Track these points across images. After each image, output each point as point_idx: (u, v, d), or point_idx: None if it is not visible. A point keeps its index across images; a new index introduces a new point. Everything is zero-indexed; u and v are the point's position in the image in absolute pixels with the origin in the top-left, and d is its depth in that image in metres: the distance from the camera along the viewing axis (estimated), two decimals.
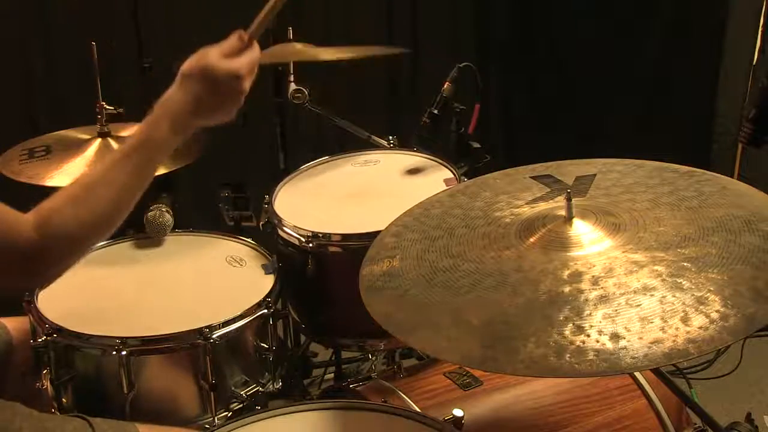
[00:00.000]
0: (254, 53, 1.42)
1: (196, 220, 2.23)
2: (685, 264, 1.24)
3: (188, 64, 1.40)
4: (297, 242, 1.86)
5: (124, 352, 1.62)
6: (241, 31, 1.43)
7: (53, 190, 1.94)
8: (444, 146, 2.19)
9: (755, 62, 3.13)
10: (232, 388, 1.74)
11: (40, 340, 1.68)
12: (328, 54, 2.01)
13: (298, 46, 2.09)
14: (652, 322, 1.15)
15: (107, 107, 2.06)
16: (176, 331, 1.66)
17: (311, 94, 2.22)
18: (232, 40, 1.42)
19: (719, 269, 1.22)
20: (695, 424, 1.70)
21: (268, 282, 1.83)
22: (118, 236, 1.96)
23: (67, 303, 1.76)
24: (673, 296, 1.19)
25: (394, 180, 2.09)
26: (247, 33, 1.43)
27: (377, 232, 1.54)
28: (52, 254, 1.30)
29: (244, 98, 1.41)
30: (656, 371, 1.56)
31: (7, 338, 1.79)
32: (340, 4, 3.34)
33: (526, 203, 1.49)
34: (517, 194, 1.53)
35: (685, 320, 1.15)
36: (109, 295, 1.81)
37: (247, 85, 1.41)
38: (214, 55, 1.39)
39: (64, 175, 1.96)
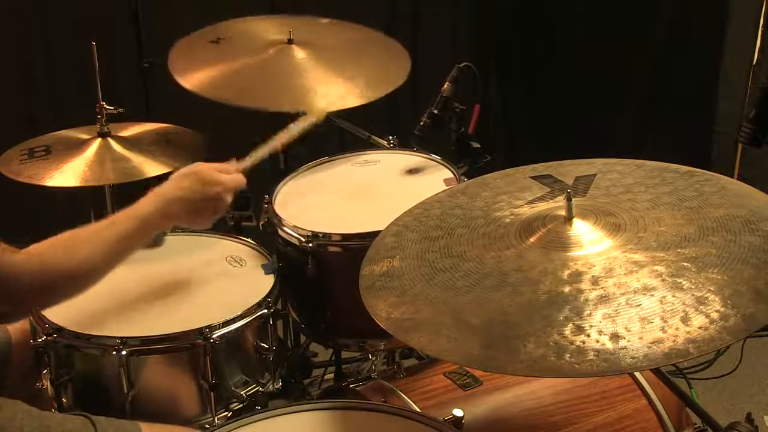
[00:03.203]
0: (240, 179, 1.72)
1: None
2: (685, 264, 1.24)
3: (185, 168, 1.67)
4: (297, 242, 1.86)
5: (124, 352, 1.62)
6: (235, 160, 1.74)
7: (53, 190, 1.96)
8: (444, 146, 2.19)
9: (755, 62, 3.13)
10: (232, 388, 1.74)
11: (40, 340, 1.67)
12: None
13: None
14: (652, 322, 1.15)
15: (107, 107, 2.06)
16: (176, 331, 1.66)
17: None
18: (226, 164, 1.73)
19: (719, 269, 1.22)
20: (695, 424, 1.70)
21: (268, 282, 1.83)
22: None
23: (67, 303, 1.75)
24: (673, 296, 1.19)
25: (394, 180, 2.09)
26: (241, 164, 1.75)
27: (377, 232, 1.54)
28: (37, 288, 1.45)
29: (222, 211, 1.68)
30: (656, 371, 1.57)
31: (7, 338, 1.80)
32: (341, 3, 3.33)
33: (526, 203, 1.49)
34: (517, 194, 1.53)
35: (685, 320, 1.15)
36: (109, 295, 1.80)
37: (228, 199, 1.68)
38: (208, 166, 1.68)
39: (64, 175, 1.96)
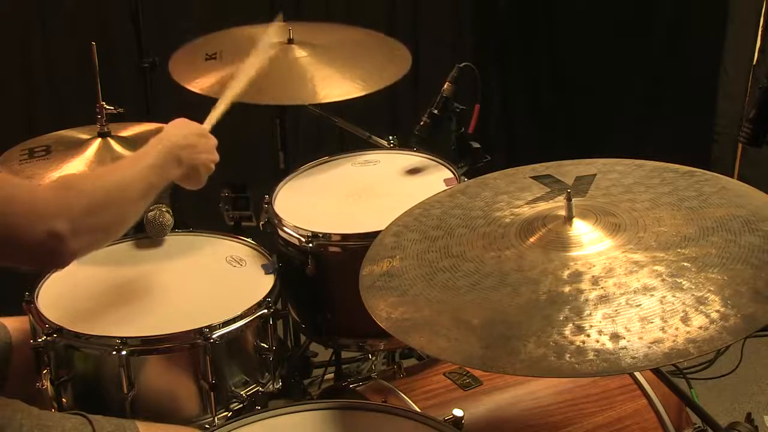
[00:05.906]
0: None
1: (196, 220, 2.23)
2: (685, 264, 1.24)
3: (179, 122, 1.66)
4: (297, 242, 1.86)
5: (124, 352, 1.62)
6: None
7: None
8: (444, 146, 2.19)
9: (755, 62, 3.13)
10: (232, 388, 1.74)
11: (40, 340, 1.67)
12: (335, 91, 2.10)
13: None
14: (652, 322, 1.15)
15: (107, 107, 2.06)
16: (176, 331, 1.66)
17: None
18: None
19: (719, 269, 1.22)
20: (695, 424, 1.70)
21: (268, 282, 1.83)
22: None
23: (67, 303, 1.76)
24: (673, 296, 1.19)
25: (394, 180, 2.09)
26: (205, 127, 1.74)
27: (377, 232, 1.55)
28: (72, 214, 1.36)
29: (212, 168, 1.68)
30: (656, 371, 1.57)
31: (7, 338, 1.79)
32: (341, 4, 3.34)
33: (526, 203, 1.49)
34: (517, 194, 1.53)
35: (685, 320, 1.15)
36: (109, 295, 1.80)
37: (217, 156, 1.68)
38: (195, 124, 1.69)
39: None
